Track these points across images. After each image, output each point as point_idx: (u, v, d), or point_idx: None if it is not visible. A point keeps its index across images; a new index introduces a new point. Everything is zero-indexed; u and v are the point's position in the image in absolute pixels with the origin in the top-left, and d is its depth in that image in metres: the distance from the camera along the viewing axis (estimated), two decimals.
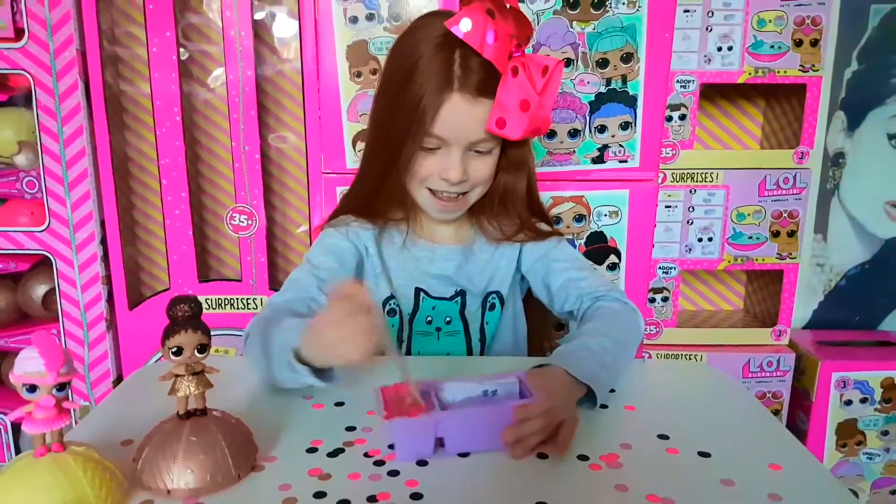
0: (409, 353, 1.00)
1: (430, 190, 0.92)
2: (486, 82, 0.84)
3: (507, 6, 0.82)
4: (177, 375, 0.61)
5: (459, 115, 0.85)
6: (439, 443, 0.67)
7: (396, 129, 0.88)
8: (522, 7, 1.23)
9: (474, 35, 0.81)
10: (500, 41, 0.82)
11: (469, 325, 1.01)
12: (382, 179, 0.93)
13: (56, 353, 0.54)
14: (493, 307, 1.02)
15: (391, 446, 0.68)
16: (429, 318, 1.00)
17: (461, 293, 1.00)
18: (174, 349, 0.60)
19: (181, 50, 1.41)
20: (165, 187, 1.41)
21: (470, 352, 1.02)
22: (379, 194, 0.96)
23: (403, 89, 0.86)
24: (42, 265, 1.54)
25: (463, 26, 0.81)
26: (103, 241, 1.44)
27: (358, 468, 0.64)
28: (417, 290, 0.99)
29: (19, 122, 1.45)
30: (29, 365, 0.54)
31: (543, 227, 1.03)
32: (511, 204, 0.98)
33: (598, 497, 0.60)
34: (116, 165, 1.43)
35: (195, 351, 0.60)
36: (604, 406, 0.79)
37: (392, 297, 0.99)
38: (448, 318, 1.00)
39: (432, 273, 0.99)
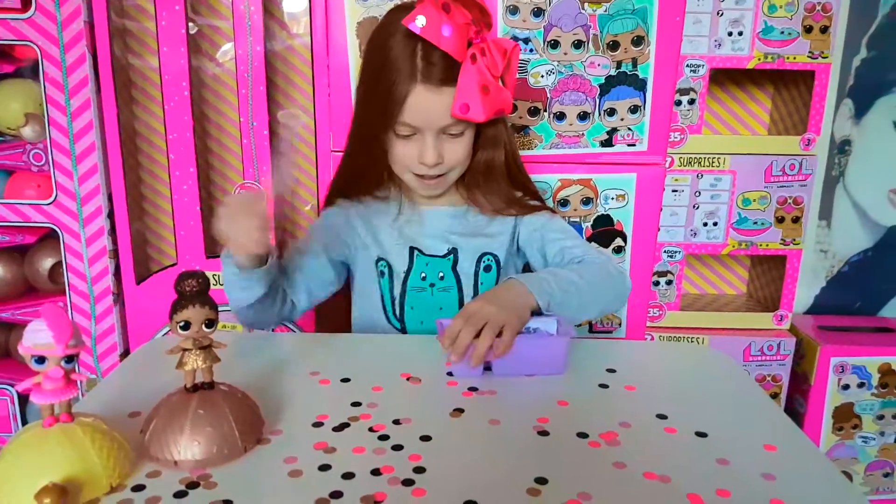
0: (402, 308, 1.06)
1: (413, 173, 1.00)
2: (447, 72, 0.90)
3: None
4: (185, 349, 0.62)
5: (425, 105, 0.92)
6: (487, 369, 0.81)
7: (373, 118, 0.96)
8: None
9: (430, 30, 0.87)
10: (456, 32, 0.88)
11: (462, 282, 1.05)
12: (368, 161, 1.02)
13: (64, 325, 0.55)
14: (488, 268, 1.07)
15: (450, 374, 0.81)
16: (423, 275, 1.05)
17: (453, 251, 1.05)
18: (182, 323, 0.61)
19: (190, 24, 1.41)
20: (173, 162, 1.42)
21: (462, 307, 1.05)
22: (365, 174, 1.05)
23: (375, 82, 0.94)
24: (49, 238, 1.55)
25: (418, 22, 0.87)
26: (110, 215, 1.45)
27: (362, 442, 0.65)
28: (412, 249, 1.05)
29: (26, 93, 1.45)
30: (38, 337, 0.55)
31: (531, 202, 1.09)
32: (493, 178, 1.05)
33: (597, 474, 0.62)
34: (124, 139, 1.43)
35: (203, 325, 0.61)
36: (604, 386, 0.80)
37: (381, 259, 1.06)
38: (441, 274, 1.05)
39: (424, 233, 1.06)
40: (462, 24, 0.89)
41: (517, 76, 1.00)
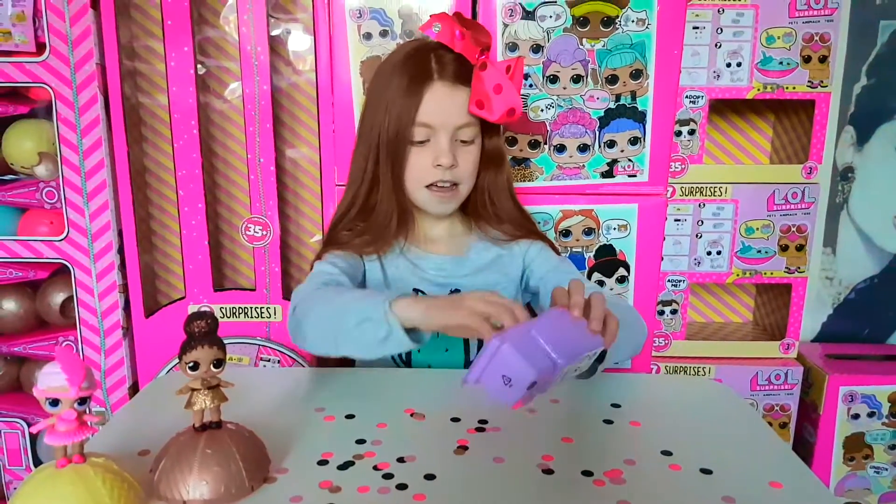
0: (409, 352, 1.05)
1: (427, 187, 1.01)
2: (461, 72, 0.97)
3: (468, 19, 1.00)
4: (193, 389, 0.63)
5: (442, 101, 0.97)
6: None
7: (389, 129, 0.98)
8: (533, 25, 1.26)
9: (445, 33, 0.97)
10: (466, 39, 0.98)
11: None
12: (382, 194, 1.01)
13: (78, 368, 0.57)
14: None
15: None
16: None
17: (455, 291, 1.05)
18: (191, 364, 0.62)
19: (199, 65, 1.44)
20: (182, 198, 1.44)
21: (466, 346, 1.06)
22: (374, 207, 1.02)
23: (388, 97, 0.98)
24: (60, 273, 1.57)
25: (435, 28, 0.98)
26: (121, 251, 1.47)
27: (367, 481, 0.66)
28: (415, 291, 1.06)
29: (40, 133, 1.48)
30: (52, 380, 0.56)
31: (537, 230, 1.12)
32: (499, 198, 1.08)
33: None
34: (134, 176, 1.45)
35: (211, 365, 0.63)
36: (608, 422, 0.80)
37: None
38: None
39: (424, 277, 1.06)
40: (471, 36, 0.97)
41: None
